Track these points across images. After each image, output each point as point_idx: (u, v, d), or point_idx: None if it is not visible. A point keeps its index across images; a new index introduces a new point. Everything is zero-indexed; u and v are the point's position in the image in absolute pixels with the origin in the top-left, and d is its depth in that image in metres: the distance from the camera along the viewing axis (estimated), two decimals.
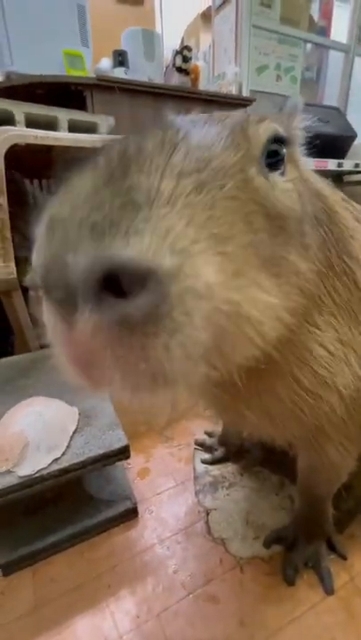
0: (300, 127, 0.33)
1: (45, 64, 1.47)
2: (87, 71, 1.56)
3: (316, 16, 2.43)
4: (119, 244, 0.15)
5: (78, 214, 0.16)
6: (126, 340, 0.17)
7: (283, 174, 0.28)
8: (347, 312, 0.35)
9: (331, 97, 2.60)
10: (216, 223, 0.19)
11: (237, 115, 0.28)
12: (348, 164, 1.89)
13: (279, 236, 0.26)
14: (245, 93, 2.11)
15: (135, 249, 0.15)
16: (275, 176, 0.27)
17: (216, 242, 0.19)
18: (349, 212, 0.39)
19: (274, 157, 0.27)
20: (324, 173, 2.21)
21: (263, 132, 0.26)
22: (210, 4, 2.31)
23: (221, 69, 2.15)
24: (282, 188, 0.27)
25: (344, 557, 0.51)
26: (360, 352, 0.36)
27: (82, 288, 0.15)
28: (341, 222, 0.35)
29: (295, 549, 0.51)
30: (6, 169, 0.70)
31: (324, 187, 0.36)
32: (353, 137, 2.03)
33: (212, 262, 0.18)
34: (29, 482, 0.46)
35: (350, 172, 2.07)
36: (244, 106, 1.97)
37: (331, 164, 1.80)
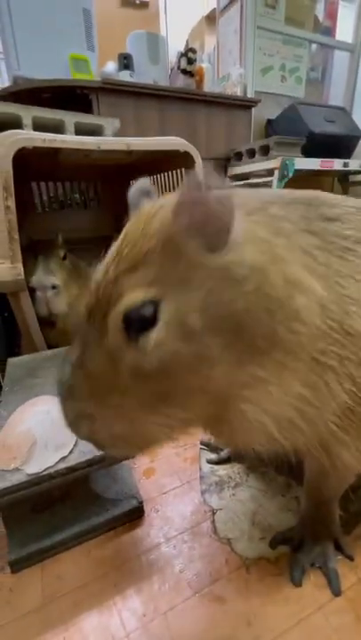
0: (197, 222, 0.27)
1: (51, 68, 1.49)
2: (93, 74, 1.58)
3: (321, 16, 2.42)
4: (74, 429, 0.34)
5: (63, 415, 0.34)
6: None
7: (156, 324, 0.28)
8: (300, 361, 0.33)
9: (336, 97, 2.59)
10: (106, 410, 0.32)
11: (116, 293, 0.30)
12: (354, 164, 1.88)
13: (164, 377, 0.30)
14: (250, 94, 2.12)
15: (79, 433, 0.35)
16: (144, 337, 0.28)
17: (106, 415, 0.32)
18: (311, 255, 0.34)
19: (144, 320, 0.28)
20: (330, 173, 2.20)
21: (117, 316, 0.29)
22: (214, 6, 2.32)
23: (226, 71, 2.16)
24: (153, 342, 0.28)
25: (351, 558, 0.51)
26: (340, 373, 0.34)
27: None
28: (275, 286, 0.31)
29: (302, 550, 0.51)
30: (14, 172, 0.71)
31: (269, 251, 0.31)
32: (359, 136, 2.02)
33: (104, 425, 0.33)
34: (37, 480, 0.46)
35: (356, 172, 2.06)
36: (249, 107, 1.98)
37: (337, 164, 1.79)
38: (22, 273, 0.76)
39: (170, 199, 0.29)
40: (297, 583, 0.48)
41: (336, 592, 0.47)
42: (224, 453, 0.70)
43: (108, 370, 0.31)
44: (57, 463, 0.48)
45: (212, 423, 0.36)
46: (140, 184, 0.40)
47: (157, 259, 0.29)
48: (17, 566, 0.50)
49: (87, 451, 0.50)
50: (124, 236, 0.31)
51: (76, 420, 0.33)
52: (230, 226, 0.27)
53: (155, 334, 0.28)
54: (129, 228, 0.31)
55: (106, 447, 0.35)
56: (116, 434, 0.33)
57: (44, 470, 0.47)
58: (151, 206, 0.32)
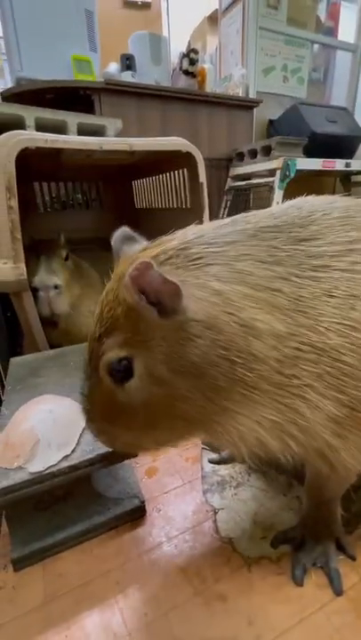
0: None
1: (54, 69, 1.49)
2: (95, 75, 1.58)
3: (322, 17, 2.42)
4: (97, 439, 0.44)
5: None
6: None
7: (133, 375, 0.35)
8: (265, 391, 0.35)
9: (339, 97, 2.59)
10: (113, 427, 0.41)
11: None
12: (356, 164, 1.87)
13: (150, 409, 0.37)
14: (252, 95, 2.12)
15: (101, 442, 0.45)
16: (128, 383, 0.36)
17: (114, 430, 0.41)
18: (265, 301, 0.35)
19: (123, 372, 0.35)
20: (332, 174, 2.19)
21: (103, 368, 0.36)
22: (216, 6, 2.32)
23: (228, 71, 2.16)
24: (134, 387, 0.36)
25: (353, 558, 0.51)
26: (321, 388, 0.35)
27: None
28: (229, 335, 0.33)
29: (303, 549, 0.51)
30: (17, 172, 0.72)
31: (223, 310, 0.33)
32: None
33: (115, 437, 0.42)
34: (40, 478, 0.46)
35: (358, 173, 2.05)
36: (251, 107, 1.98)
37: (339, 165, 1.79)
38: (25, 273, 0.76)
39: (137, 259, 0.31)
40: (298, 582, 0.48)
41: (338, 592, 0.47)
42: (225, 453, 0.70)
43: (108, 401, 0.39)
44: (60, 462, 0.48)
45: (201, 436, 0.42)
46: (122, 231, 0.44)
47: (125, 324, 0.34)
48: (19, 564, 0.50)
49: (89, 450, 0.50)
50: (105, 295, 0.37)
51: (96, 434, 0.43)
52: (179, 298, 0.32)
53: (133, 383, 0.36)
54: (108, 287, 0.37)
55: (123, 450, 0.47)
56: (125, 443, 0.42)
57: (47, 469, 0.47)
58: (125, 263, 0.36)
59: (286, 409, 0.35)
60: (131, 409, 0.37)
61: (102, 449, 0.50)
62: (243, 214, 0.43)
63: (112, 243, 0.44)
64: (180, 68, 1.88)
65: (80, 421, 0.53)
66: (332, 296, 0.35)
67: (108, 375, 0.36)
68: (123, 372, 0.35)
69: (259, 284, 0.35)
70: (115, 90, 1.53)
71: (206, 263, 0.35)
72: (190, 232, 0.39)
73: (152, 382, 0.35)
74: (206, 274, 0.34)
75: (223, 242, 0.37)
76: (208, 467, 0.69)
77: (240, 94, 2.00)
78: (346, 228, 0.39)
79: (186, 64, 1.85)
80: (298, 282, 0.36)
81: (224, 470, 0.68)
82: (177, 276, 0.33)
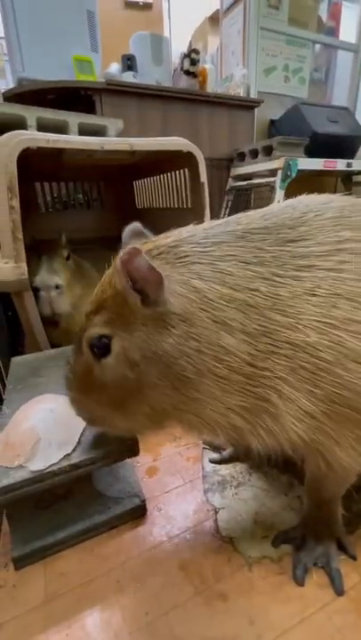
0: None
1: (55, 69, 1.50)
2: (96, 76, 1.58)
3: (324, 17, 2.42)
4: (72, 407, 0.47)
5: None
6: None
7: (110, 353, 0.38)
8: (234, 382, 0.37)
9: (340, 97, 2.59)
10: (88, 400, 0.44)
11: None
12: (357, 164, 1.87)
13: (120, 389, 0.40)
14: (253, 95, 2.12)
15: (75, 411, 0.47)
16: (104, 359, 0.39)
17: (88, 403, 0.44)
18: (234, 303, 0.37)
19: (101, 348, 0.39)
20: (334, 174, 2.19)
21: (85, 341, 0.40)
22: (217, 7, 2.32)
23: (229, 71, 2.16)
24: (109, 365, 0.39)
25: (354, 558, 0.51)
26: (294, 381, 0.36)
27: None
28: (203, 329, 0.36)
29: (304, 549, 0.51)
30: (18, 172, 0.72)
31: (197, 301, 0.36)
32: None
33: (87, 409, 0.46)
34: (41, 477, 0.46)
35: (360, 173, 2.05)
36: (252, 107, 1.98)
37: (340, 165, 1.79)
38: (26, 272, 0.76)
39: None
40: (299, 582, 0.48)
41: (339, 591, 0.47)
42: (226, 453, 0.70)
43: (85, 374, 0.42)
44: (60, 461, 0.48)
45: (172, 424, 0.42)
46: (133, 226, 0.47)
47: (111, 305, 0.38)
48: (20, 563, 0.50)
49: (90, 449, 0.50)
50: (103, 278, 0.40)
51: (71, 402, 0.46)
52: (161, 290, 0.34)
53: (109, 360, 0.39)
54: (107, 272, 0.40)
55: (92, 424, 0.49)
56: (96, 417, 0.45)
57: (48, 468, 0.47)
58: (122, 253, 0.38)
59: (258, 397, 0.37)
60: (103, 385, 0.40)
61: (103, 448, 0.50)
62: (237, 215, 0.44)
63: (122, 237, 0.47)
64: (182, 69, 1.88)
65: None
66: (314, 295, 0.36)
67: (89, 349, 0.39)
68: (102, 348, 0.38)
69: (238, 284, 0.37)
70: (116, 90, 1.53)
71: (192, 261, 0.37)
72: (185, 231, 0.41)
73: (125, 364, 0.38)
74: (190, 271, 0.37)
75: (211, 242, 0.39)
76: (209, 466, 0.69)
77: (241, 94, 2.00)
78: (337, 228, 0.40)
79: (187, 64, 1.85)
80: (278, 281, 0.37)
81: (225, 470, 0.68)
82: (164, 270, 0.35)
